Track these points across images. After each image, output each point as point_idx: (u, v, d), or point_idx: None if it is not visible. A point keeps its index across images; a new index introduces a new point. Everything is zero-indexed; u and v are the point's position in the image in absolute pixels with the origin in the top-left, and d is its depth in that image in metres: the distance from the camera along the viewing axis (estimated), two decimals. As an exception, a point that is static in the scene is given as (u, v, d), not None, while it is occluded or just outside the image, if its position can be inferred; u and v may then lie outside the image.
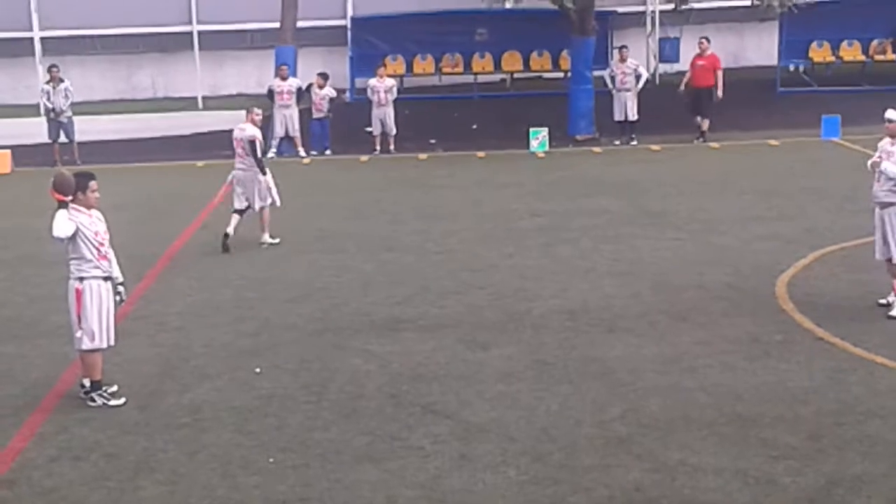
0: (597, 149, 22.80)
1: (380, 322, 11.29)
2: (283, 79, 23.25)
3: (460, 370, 9.78)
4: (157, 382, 9.73)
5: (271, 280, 13.11)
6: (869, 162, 11.12)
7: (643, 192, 17.73)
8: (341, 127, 23.46)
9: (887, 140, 10.99)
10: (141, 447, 8.34)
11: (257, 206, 14.84)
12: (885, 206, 10.88)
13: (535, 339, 10.58)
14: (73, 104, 23.29)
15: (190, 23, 27.32)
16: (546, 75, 27.45)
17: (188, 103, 27.11)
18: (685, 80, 23.34)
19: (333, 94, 23.38)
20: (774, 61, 26.42)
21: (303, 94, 23.29)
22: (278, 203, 15.07)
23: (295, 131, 23.25)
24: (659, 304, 11.55)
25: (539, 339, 10.57)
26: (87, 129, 23.79)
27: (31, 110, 25.81)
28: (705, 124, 22.93)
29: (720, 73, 22.89)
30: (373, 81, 23.43)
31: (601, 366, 9.75)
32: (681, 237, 14.53)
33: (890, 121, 10.99)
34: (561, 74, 26.70)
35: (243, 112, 15.64)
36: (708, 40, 23.58)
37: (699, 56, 23.41)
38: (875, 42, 26.58)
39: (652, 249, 13.90)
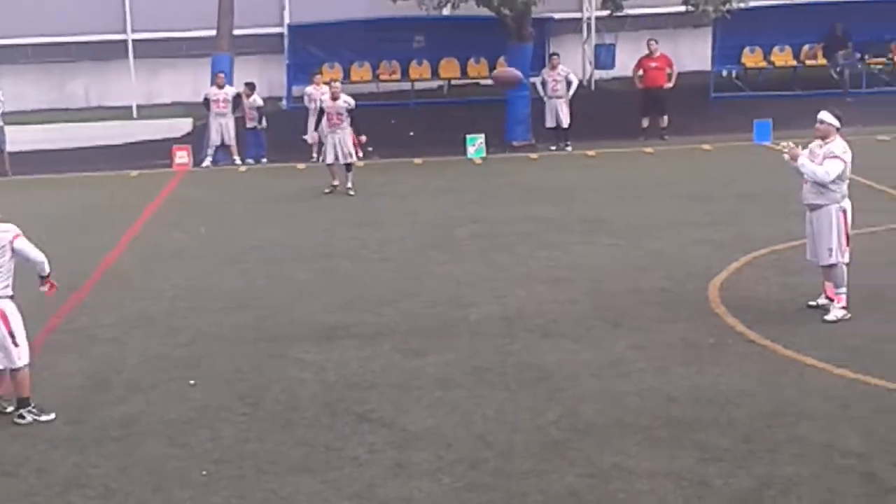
0: (533, 155, 22.91)
1: (315, 331, 11.24)
2: (220, 87, 23.14)
3: (397, 378, 9.77)
4: (88, 396, 9.61)
5: (205, 290, 13.00)
6: (786, 148, 11.04)
7: (579, 198, 17.84)
8: (278, 135, 23.36)
9: (817, 142, 11.09)
10: (72, 462, 8.23)
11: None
12: (813, 208, 11.01)
13: (471, 345, 10.59)
14: (4, 114, 22.95)
15: (124, 31, 27.02)
16: (483, 82, 27.43)
17: (122, 112, 26.80)
18: (637, 80, 24.24)
19: (260, 102, 23.31)
20: (708, 67, 26.70)
21: (239, 103, 23.19)
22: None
23: (231, 139, 23.14)
24: (594, 309, 11.62)
25: (476, 345, 10.59)
26: (19, 138, 23.46)
27: (-39, 120, 25.36)
28: (664, 121, 23.79)
29: (675, 72, 24.02)
30: (309, 89, 23.34)
31: (538, 371, 9.79)
32: (616, 242, 14.63)
33: (821, 122, 11.06)
34: (498, 81, 26.75)
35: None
36: (656, 41, 24.12)
37: (648, 58, 23.96)
38: (806, 47, 26.96)
39: (588, 255, 13.99)
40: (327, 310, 11.95)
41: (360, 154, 19.60)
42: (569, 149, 23.08)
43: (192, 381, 9.85)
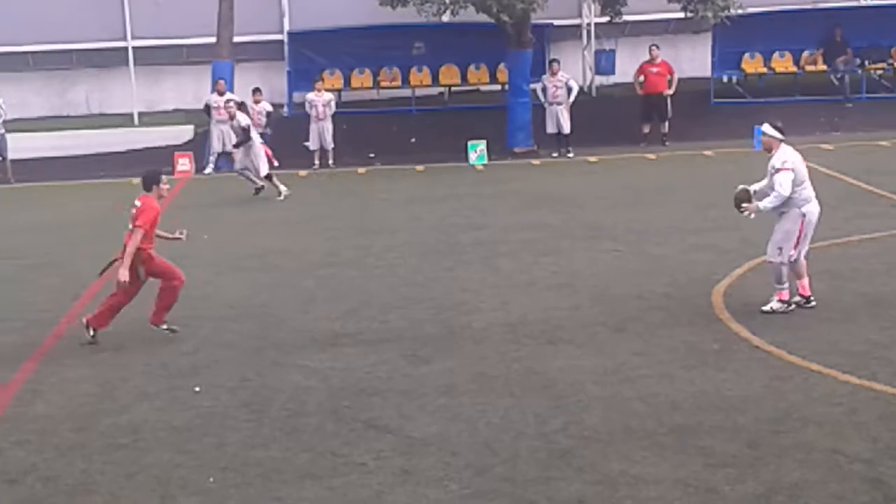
0: (535, 161, 22.94)
1: (320, 338, 11.25)
2: (221, 94, 23.19)
3: (402, 385, 9.78)
4: (95, 402, 9.62)
5: (209, 298, 13.00)
6: (746, 212, 11.55)
7: (581, 204, 17.86)
8: (280, 141, 23.34)
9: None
10: (78, 469, 8.23)
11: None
12: (780, 213, 11.38)
13: (476, 352, 10.60)
14: (6, 121, 22.99)
15: (125, 38, 27.06)
16: (484, 88, 27.52)
17: (124, 119, 26.82)
18: (638, 86, 24.48)
19: (270, 108, 23.34)
20: (708, 73, 26.74)
21: (241, 110, 23.19)
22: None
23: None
24: (598, 315, 11.64)
25: (480, 352, 10.59)
26: (21, 146, 23.49)
27: (-37, 128, 25.34)
28: (666, 127, 24.00)
29: (675, 78, 24.23)
30: (311, 96, 23.43)
31: (542, 378, 9.80)
32: (619, 248, 14.65)
33: (763, 134, 11.40)
34: (498, 87, 26.80)
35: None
36: (658, 47, 24.24)
37: (650, 63, 24.08)
38: (806, 53, 27.01)
39: (590, 261, 14.00)
40: (332, 317, 11.96)
41: (276, 163, 20.27)
42: (570, 155, 23.12)
43: (197, 389, 9.86)
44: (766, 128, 11.34)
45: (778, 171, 11.10)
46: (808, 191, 11.21)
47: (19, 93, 26.26)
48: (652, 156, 22.77)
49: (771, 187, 11.19)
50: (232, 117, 19.90)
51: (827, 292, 11.85)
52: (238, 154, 20.20)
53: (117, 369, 10.50)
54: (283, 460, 8.25)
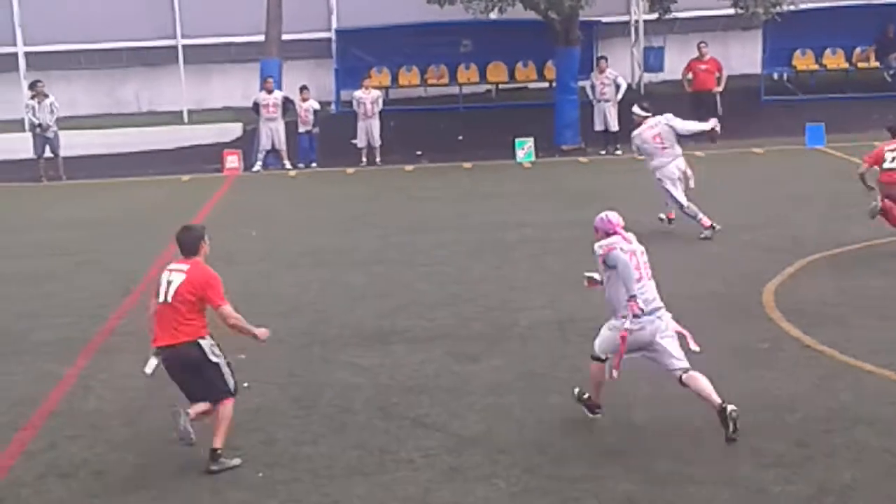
0: (583, 159, 22.86)
1: (368, 335, 11.28)
2: (269, 91, 23.31)
3: (450, 382, 9.78)
4: (145, 398, 9.68)
5: (258, 294, 13.06)
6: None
7: (629, 202, 17.70)
8: (327, 139, 23.48)
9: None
10: (130, 463, 8.32)
11: None
12: None
13: (524, 350, 10.58)
14: (57, 119, 23.25)
15: (174, 37, 27.25)
16: (531, 86, 27.46)
17: (173, 117, 27.04)
18: (687, 84, 24.46)
19: (317, 106, 23.46)
20: (758, 70, 26.51)
21: (289, 107, 23.33)
22: None
23: (281, 144, 23.29)
24: (647, 313, 11.53)
25: (528, 350, 10.57)
26: (72, 143, 23.77)
27: (15, 126, 25.69)
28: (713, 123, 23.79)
29: (724, 75, 24.23)
30: (358, 93, 23.49)
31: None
32: (668, 246, 14.50)
33: (633, 113, 15.08)
34: (546, 85, 26.73)
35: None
36: (706, 44, 24.13)
37: (698, 60, 23.97)
38: (858, 50, 26.68)
39: (639, 259, 13.89)
40: (380, 314, 11.99)
41: None
42: (619, 152, 23.00)
43: (245, 384, 9.87)
44: (634, 108, 15.30)
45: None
46: (657, 160, 15.02)
47: (70, 91, 26.54)
48: (701, 153, 22.55)
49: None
50: None
51: (880, 291, 11.73)
52: None
53: (167, 365, 10.55)
54: (331, 456, 8.28)
